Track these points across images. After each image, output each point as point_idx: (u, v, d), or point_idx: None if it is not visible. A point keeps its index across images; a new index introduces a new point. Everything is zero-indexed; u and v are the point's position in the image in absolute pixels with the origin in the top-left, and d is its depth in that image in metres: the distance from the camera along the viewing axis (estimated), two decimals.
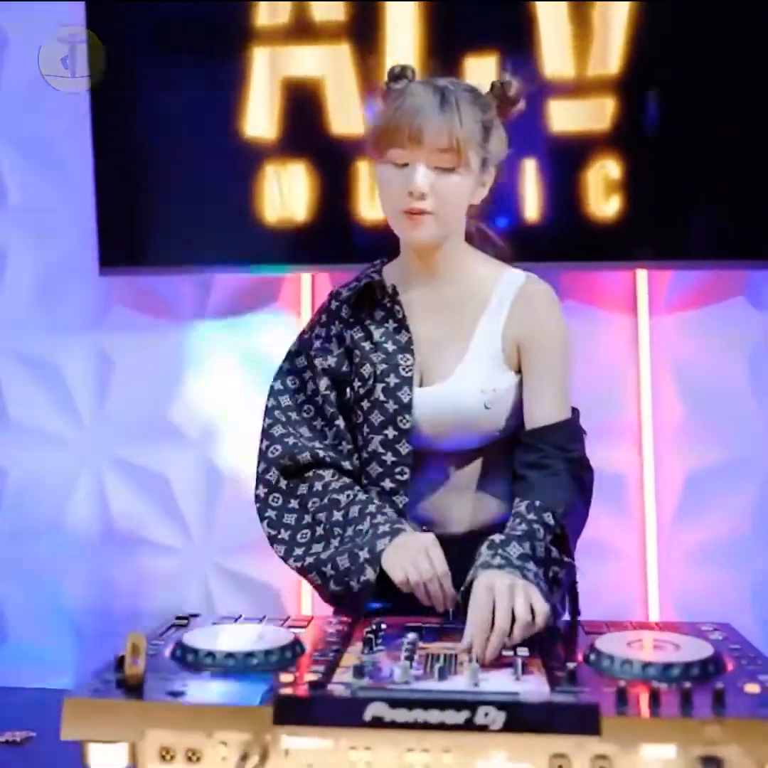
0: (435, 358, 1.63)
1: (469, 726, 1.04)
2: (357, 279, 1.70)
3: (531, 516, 1.49)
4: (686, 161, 2.55)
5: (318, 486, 1.63)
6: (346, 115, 2.53)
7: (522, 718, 1.04)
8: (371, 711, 1.05)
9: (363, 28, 2.54)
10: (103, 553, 2.81)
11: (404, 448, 1.61)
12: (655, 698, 1.10)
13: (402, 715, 1.05)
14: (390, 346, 1.64)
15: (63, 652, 2.76)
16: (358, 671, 1.20)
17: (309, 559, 1.59)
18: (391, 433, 1.61)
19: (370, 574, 1.50)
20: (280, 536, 1.64)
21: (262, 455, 1.67)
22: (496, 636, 1.29)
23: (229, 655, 1.26)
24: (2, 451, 2.82)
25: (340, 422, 1.66)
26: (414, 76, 1.60)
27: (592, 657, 1.26)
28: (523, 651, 1.28)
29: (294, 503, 1.64)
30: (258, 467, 1.68)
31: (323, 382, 1.66)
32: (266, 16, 2.55)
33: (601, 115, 2.53)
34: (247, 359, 2.77)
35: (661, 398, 2.69)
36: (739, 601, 2.59)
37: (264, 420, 1.70)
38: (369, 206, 2.56)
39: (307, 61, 2.55)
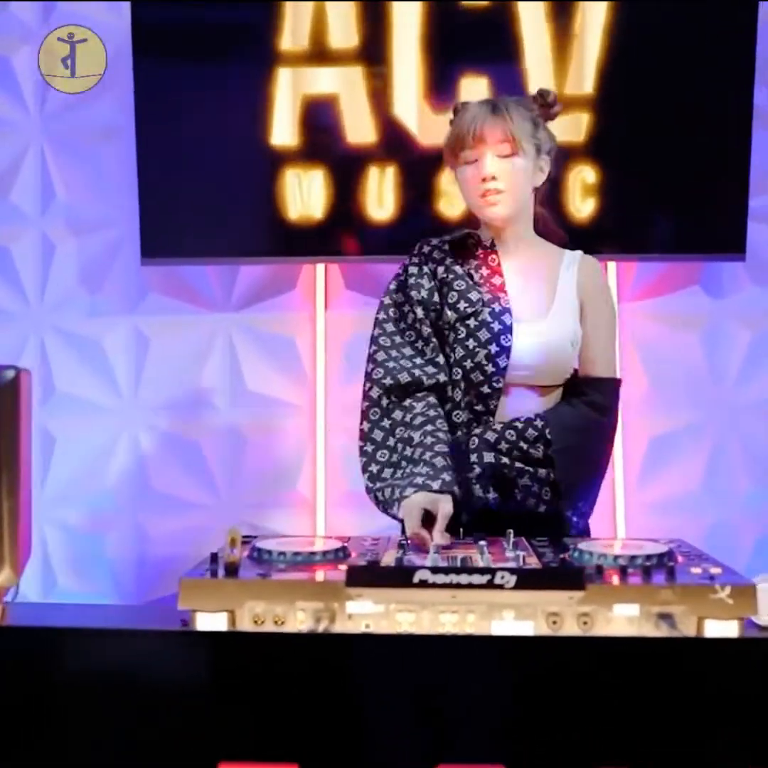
0: (525, 304, 1.99)
1: (490, 585, 1.42)
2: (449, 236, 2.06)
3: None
4: (650, 169, 2.86)
5: (407, 417, 1.94)
6: (358, 127, 2.82)
7: (528, 579, 1.42)
8: (418, 575, 1.43)
9: (373, 53, 2.82)
10: (140, 510, 3.07)
11: (503, 362, 1.94)
12: (623, 573, 1.49)
13: (440, 578, 1.42)
14: (488, 285, 1.99)
15: (104, 597, 3.03)
16: (399, 561, 1.58)
17: (379, 483, 1.93)
18: (493, 348, 1.94)
19: (395, 510, 1.87)
20: (365, 448, 1.97)
21: (368, 376, 1.99)
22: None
23: (297, 553, 1.64)
24: (50, 419, 3.06)
25: (435, 340, 1.99)
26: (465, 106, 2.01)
27: (576, 554, 1.64)
28: (522, 552, 1.64)
29: (386, 423, 1.96)
30: (364, 386, 1.99)
31: (419, 310, 1.99)
32: (289, 41, 2.82)
33: (578, 129, 2.84)
34: (266, 338, 3.06)
35: (629, 373, 2.99)
36: (694, 544, 2.95)
37: (370, 347, 2.01)
38: (376, 206, 2.87)
39: (324, 80, 2.83)
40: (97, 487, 3.09)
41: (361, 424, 1.98)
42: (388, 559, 1.63)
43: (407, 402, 1.96)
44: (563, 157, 2.80)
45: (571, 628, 1.43)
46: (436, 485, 1.84)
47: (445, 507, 1.79)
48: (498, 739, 1.35)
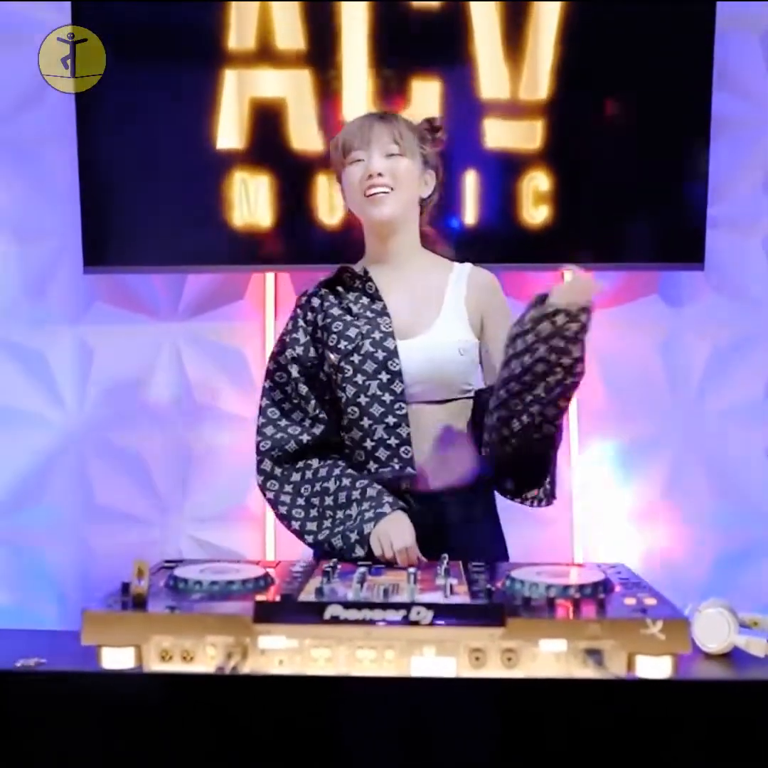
0: (410, 320, 1.95)
1: (405, 621, 1.34)
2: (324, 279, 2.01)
3: None
4: (606, 176, 2.80)
5: (308, 474, 1.92)
6: (306, 132, 2.73)
7: (445, 615, 1.35)
8: (329, 611, 1.35)
9: (321, 56, 2.73)
10: (85, 525, 2.97)
11: (398, 387, 1.90)
12: (551, 605, 1.42)
13: (353, 614, 1.35)
14: (368, 314, 1.94)
15: (47, 615, 2.93)
16: (319, 592, 1.50)
17: (308, 539, 1.90)
18: (384, 376, 1.89)
19: (359, 551, 1.83)
20: (280, 512, 1.93)
21: (257, 449, 1.95)
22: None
23: (214, 582, 1.56)
24: None
25: (315, 396, 1.95)
26: None
27: (508, 583, 1.57)
28: (453, 580, 1.58)
29: (288, 488, 1.93)
30: (256, 458, 1.96)
31: (294, 369, 1.96)
32: (235, 41, 2.73)
33: (532, 135, 2.76)
34: (214, 348, 2.97)
35: (585, 383, 2.89)
36: (652, 559, 2.90)
37: (258, 418, 1.98)
38: (326, 213, 2.78)
39: (272, 83, 2.74)
40: (39, 501, 2.99)
41: (264, 495, 1.97)
42: (310, 588, 1.55)
43: (300, 463, 1.95)
44: (516, 163, 2.78)
45: (494, 665, 1.36)
46: (387, 510, 1.85)
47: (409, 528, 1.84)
48: None
